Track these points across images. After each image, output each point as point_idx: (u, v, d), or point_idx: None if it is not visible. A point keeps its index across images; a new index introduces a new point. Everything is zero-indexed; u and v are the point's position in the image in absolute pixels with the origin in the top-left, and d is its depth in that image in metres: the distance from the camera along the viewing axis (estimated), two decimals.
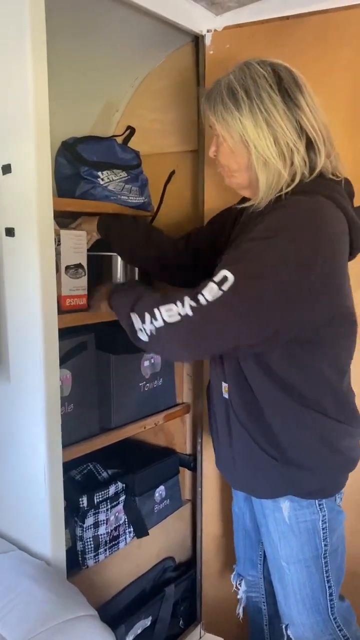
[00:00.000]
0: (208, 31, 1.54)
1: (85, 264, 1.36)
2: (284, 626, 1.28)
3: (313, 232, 1.00)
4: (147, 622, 1.63)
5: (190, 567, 1.84)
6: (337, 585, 1.22)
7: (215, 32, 1.53)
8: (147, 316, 1.07)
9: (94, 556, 1.49)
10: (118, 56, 1.59)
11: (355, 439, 1.21)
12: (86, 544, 1.47)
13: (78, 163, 1.47)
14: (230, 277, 0.99)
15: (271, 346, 1.09)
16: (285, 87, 1.07)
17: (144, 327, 1.08)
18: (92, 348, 1.48)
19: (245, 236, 1.08)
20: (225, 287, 0.99)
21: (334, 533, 1.19)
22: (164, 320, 1.04)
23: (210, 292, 1.00)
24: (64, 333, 1.36)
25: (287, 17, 1.42)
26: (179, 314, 1.02)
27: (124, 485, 1.58)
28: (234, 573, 1.51)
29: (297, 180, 1.08)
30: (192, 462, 1.81)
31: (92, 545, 1.48)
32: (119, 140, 1.67)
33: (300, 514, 1.17)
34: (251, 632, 1.51)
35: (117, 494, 1.55)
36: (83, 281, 1.37)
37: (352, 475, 1.24)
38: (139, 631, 1.60)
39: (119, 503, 1.56)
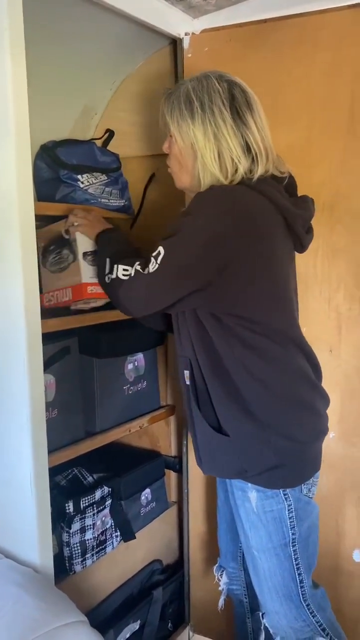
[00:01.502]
0: (186, 34, 1.55)
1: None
2: (260, 614, 1.33)
3: (223, 209, 1.12)
4: (135, 625, 1.63)
5: (177, 569, 1.84)
6: (307, 572, 1.26)
7: (193, 35, 1.54)
8: (114, 268, 1.23)
9: (81, 561, 1.48)
10: (96, 59, 1.59)
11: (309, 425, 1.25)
12: (73, 549, 1.46)
13: (57, 166, 1.47)
14: (162, 251, 1.14)
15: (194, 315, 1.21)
16: (237, 105, 1.16)
17: (108, 275, 1.25)
18: (76, 352, 1.47)
19: None
20: (159, 259, 1.14)
21: (303, 522, 1.24)
22: (117, 275, 1.22)
23: (151, 265, 1.15)
24: (47, 337, 1.35)
25: (265, 21, 1.44)
26: (129, 275, 1.20)
27: (109, 489, 1.57)
28: (216, 566, 1.54)
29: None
30: (177, 464, 1.81)
31: (79, 551, 1.47)
32: (99, 143, 1.67)
33: (266, 504, 1.22)
34: (235, 625, 1.53)
35: (103, 499, 1.55)
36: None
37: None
38: (127, 635, 1.60)
39: (105, 507, 1.55)
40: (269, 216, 1.17)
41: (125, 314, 1.27)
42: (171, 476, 1.85)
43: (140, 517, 1.68)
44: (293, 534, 1.23)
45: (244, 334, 1.17)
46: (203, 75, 1.20)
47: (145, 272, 1.16)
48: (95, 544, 1.52)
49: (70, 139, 1.60)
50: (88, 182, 1.51)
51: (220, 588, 1.53)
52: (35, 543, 1.19)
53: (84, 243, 1.35)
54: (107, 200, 1.55)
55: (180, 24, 1.53)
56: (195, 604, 1.81)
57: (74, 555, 1.46)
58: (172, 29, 1.52)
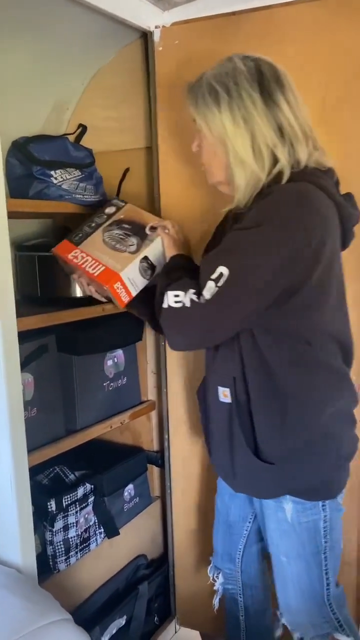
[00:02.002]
0: (156, 27, 1.54)
1: (155, 272, 1.30)
2: (279, 613, 1.30)
3: (300, 216, 1.01)
4: (122, 621, 1.63)
5: (162, 564, 1.85)
6: (334, 575, 1.23)
7: (163, 28, 1.53)
8: (165, 295, 1.11)
9: (65, 559, 1.48)
10: (66, 53, 1.57)
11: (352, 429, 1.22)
12: (57, 548, 1.45)
13: (30, 163, 1.45)
14: (225, 272, 1.01)
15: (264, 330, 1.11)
16: (266, 84, 1.07)
17: (162, 306, 1.12)
18: (54, 350, 1.46)
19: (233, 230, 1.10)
20: (221, 281, 1.01)
21: (335, 530, 1.21)
22: (168, 304, 1.09)
23: (209, 290, 1.03)
24: (24, 336, 1.33)
25: (234, 13, 1.43)
26: (181, 303, 1.07)
27: (92, 486, 1.57)
28: (210, 566, 1.51)
29: (285, 177, 1.08)
30: (159, 459, 1.81)
31: (63, 549, 1.47)
32: (71, 138, 1.65)
33: (302, 515, 1.18)
34: (227, 622, 1.53)
35: (85, 496, 1.54)
36: (143, 283, 1.30)
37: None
38: (114, 631, 1.60)
39: (88, 504, 1.55)
40: (334, 218, 1.08)
41: (175, 348, 1.16)
42: (154, 471, 1.86)
43: (124, 513, 1.68)
44: (325, 542, 1.19)
45: (304, 348, 1.10)
46: (226, 58, 1.11)
47: (202, 300, 1.03)
48: (78, 541, 1.52)
49: (42, 134, 1.58)
50: (62, 177, 1.50)
51: (215, 588, 1.50)
52: (17, 543, 1.18)
53: (154, 250, 1.31)
54: (81, 196, 1.53)
55: (150, 17, 1.52)
56: (180, 597, 1.82)
57: (57, 554, 1.46)
58: (142, 22, 1.51)
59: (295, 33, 1.38)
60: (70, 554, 1.49)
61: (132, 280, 1.28)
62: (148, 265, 1.30)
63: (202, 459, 1.69)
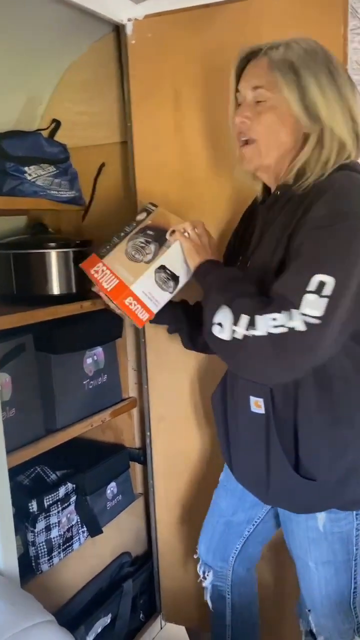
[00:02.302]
0: (129, 20, 1.52)
1: (180, 283, 1.14)
2: (307, 610, 1.25)
3: None
4: (107, 620, 1.63)
5: (146, 560, 1.84)
6: None
7: (136, 21, 1.51)
8: (245, 319, 0.93)
9: (48, 560, 1.46)
10: (38, 47, 1.54)
11: None
12: (39, 548, 1.44)
13: (3, 159, 1.42)
14: (330, 280, 0.88)
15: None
16: (341, 72, 1.03)
17: (235, 328, 0.94)
18: (31, 349, 1.44)
19: (290, 232, 0.99)
20: (328, 291, 0.88)
21: None
22: (267, 331, 0.90)
23: (314, 304, 0.88)
24: (0, 336, 1.32)
25: (208, 5, 1.42)
26: (286, 326, 0.89)
27: (74, 485, 1.55)
28: (200, 563, 1.47)
29: (351, 158, 1.02)
30: (142, 456, 1.80)
31: (45, 550, 1.45)
32: (45, 134, 1.62)
33: (336, 525, 1.13)
34: (213, 618, 1.52)
35: (67, 495, 1.53)
36: (164, 297, 1.14)
37: None
38: (99, 630, 1.59)
39: (70, 504, 1.54)
40: None
41: (276, 381, 1.01)
42: (136, 468, 1.85)
43: (107, 511, 1.67)
44: (357, 549, 1.14)
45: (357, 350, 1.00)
46: (292, 40, 1.04)
47: (313, 320, 0.88)
48: (61, 541, 1.50)
49: (15, 130, 1.56)
50: (36, 174, 1.47)
51: (205, 585, 1.46)
52: None
53: (171, 257, 1.15)
54: (56, 192, 1.51)
55: (122, 10, 1.50)
56: (165, 593, 1.82)
57: (40, 555, 1.44)
58: (115, 15, 1.49)
59: (271, 25, 1.37)
60: (53, 554, 1.48)
61: (148, 294, 1.13)
62: (168, 276, 1.14)
63: (185, 455, 1.69)
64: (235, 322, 0.94)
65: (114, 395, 1.75)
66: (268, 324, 0.90)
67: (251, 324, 0.92)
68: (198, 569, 1.47)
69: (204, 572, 1.45)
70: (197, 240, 1.16)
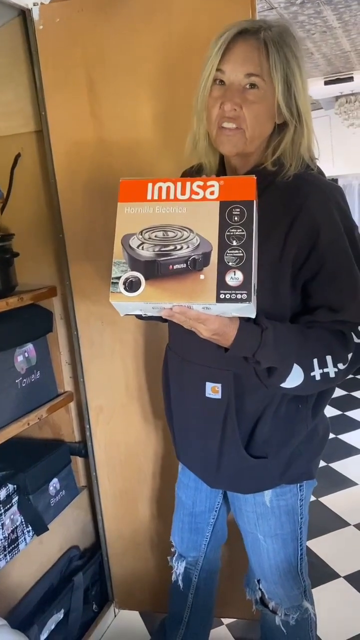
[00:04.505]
0: (35, 4, 1.46)
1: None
2: (256, 580, 1.31)
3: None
4: (59, 615, 1.62)
5: (95, 552, 1.84)
6: (305, 544, 1.25)
7: (42, 5, 1.46)
8: (342, 364, 1.05)
9: None
10: None
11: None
12: None
13: None
14: None
15: None
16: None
17: (335, 370, 1.04)
18: None
19: (286, 231, 1.01)
20: None
21: (308, 505, 1.22)
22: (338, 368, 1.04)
23: None
24: None
25: None
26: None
27: (14, 486, 1.52)
28: (174, 556, 1.47)
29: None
30: (82, 449, 1.79)
31: None
32: None
33: (281, 498, 1.18)
34: (173, 598, 1.52)
35: (9, 497, 1.49)
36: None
37: None
38: (52, 627, 1.58)
39: (12, 505, 1.50)
40: None
41: None
42: (78, 462, 1.83)
43: (51, 508, 1.65)
44: (301, 518, 1.21)
45: None
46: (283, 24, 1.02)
47: None
48: (6, 544, 1.47)
49: None
50: None
51: (177, 572, 1.46)
52: None
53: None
54: None
55: None
56: (116, 581, 1.83)
57: None
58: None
59: (181, 11, 1.37)
60: None
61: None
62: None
63: (125, 445, 1.69)
64: (335, 365, 1.03)
65: (49, 391, 1.72)
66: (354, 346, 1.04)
67: (345, 362, 1.05)
68: (173, 562, 1.47)
69: (178, 564, 1.45)
70: (216, 336, 0.95)
